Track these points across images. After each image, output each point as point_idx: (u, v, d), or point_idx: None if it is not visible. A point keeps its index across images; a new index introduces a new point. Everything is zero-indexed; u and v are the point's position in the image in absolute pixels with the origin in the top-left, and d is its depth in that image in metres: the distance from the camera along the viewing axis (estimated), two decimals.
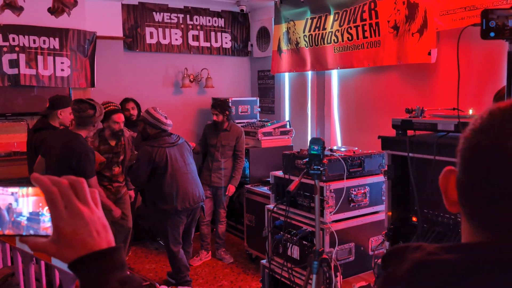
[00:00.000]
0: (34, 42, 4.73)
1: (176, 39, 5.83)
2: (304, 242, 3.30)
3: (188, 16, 5.88)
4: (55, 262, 2.39)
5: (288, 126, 5.28)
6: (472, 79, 3.47)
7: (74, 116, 3.55)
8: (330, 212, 3.14)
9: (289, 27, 5.40)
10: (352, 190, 3.27)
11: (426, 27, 3.80)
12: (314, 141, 2.36)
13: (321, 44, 4.95)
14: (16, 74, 4.67)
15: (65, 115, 3.95)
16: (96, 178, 3.60)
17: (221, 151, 4.72)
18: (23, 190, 0.72)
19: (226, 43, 6.19)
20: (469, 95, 3.42)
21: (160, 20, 5.71)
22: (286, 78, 5.86)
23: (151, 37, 5.66)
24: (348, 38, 4.58)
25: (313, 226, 3.12)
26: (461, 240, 0.69)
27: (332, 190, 3.14)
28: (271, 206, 3.62)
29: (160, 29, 5.71)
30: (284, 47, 5.53)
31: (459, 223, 0.73)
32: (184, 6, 5.84)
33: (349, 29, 4.55)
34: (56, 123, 3.95)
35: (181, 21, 5.84)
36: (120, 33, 5.44)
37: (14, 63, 4.65)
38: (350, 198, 3.26)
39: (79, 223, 0.69)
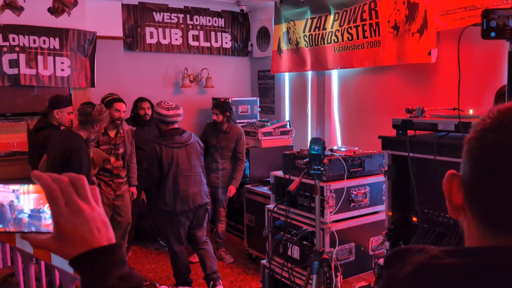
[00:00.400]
0: (34, 42, 4.73)
1: (176, 39, 5.83)
2: (304, 242, 3.30)
3: (188, 16, 5.88)
4: (55, 262, 2.39)
5: (288, 126, 5.28)
6: (472, 79, 3.47)
7: (77, 116, 3.60)
8: (331, 212, 3.14)
9: (289, 27, 5.40)
10: (352, 190, 3.27)
11: (426, 27, 3.80)
12: (314, 141, 2.36)
13: (321, 44, 4.95)
14: (16, 74, 4.67)
15: (62, 115, 4.01)
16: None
17: (220, 152, 4.71)
18: (24, 187, 0.72)
19: (226, 43, 6.19)
20: (469, 95, 3.42)
21: (160, 20, 5.71)
22: (286, 78, 5.86)
23: (151, 37, 5.66)
24: (348, 38, 4.58)
25: (314, 226, 3.12)
26: (461, 241, 0.68)
27: (333, 190, 3.14)
28: (271, 206, 3.62)
29: (160, 29, 5.71)
30: (284, 47, 5.52)
31: (459, 223, 0.72)
32: (184, 6, 5.84)
33: (349, 29, 4.55)
34: (55, 122, 3.98)
35: (181, 21, 5.84)
36: (120, 33, 5.44)
37: (14, 63, 4.65)
38: (350, 198, 3.25)
39: (79, 220, 0.69)
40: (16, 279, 2.68)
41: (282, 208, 3.28)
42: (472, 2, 3.41)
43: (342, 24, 4.64)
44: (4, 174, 4.48)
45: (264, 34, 6.07)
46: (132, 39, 5.55)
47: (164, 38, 5.75)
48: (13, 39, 4.62)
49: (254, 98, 5.96)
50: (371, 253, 3.30)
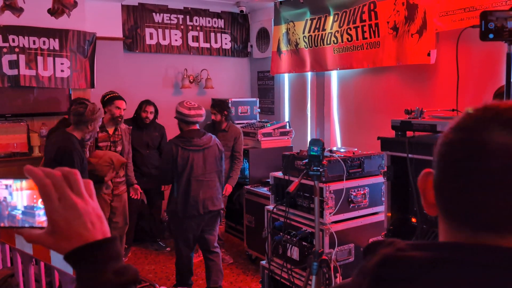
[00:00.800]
0: (34, 43, 4.73)
1: (176, 40, 5.83)
2: (303, 243, 3.30)
3: (188, 17, 5.88)
4: (55, 262, 2.39)
5: (287, 127, 5.28)
6: (471, 80, 3.48)
7: (70, 116, 3.58)
8: (330, 213, 3.15)
9: (289, 28, 5.40)
10: (351, 191, 3.27)
11: (425, 28, 3.80)
12: (313, 142, 2.36)
13: (320, 45, 4.95)
14: (16, 75, 4.67)
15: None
16: None
17: None
18: (17, 183, 0.72)
19: (225, 44, 6.19)
20: (468, 96, 3.42)
21: (160, 21, 5.71)
22: (286, 79, 5.86)
23: (151, 38, 5.67)
24: (347, 39, 4.58)
25: (313, 227, 3.12)
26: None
27: (332, 191, 3.15)
28: (270, 207, 3.62)
29: (160, 30, 5.71)
30: (283, 48, 5.53)
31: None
32: (184, 7, 5.84)
33: (348, 30, 4.56)
34: None
35: (181, 22, 5.84)
36: (120, 34, 5.45)
37: (14, 64, 4.65)
38: (349, 199, 3.26)
39: (73, 214, 0.69)
40: (15, 280, 2.68)
41: (281, 209, 3.28)
42: (471, 3, 3.41)
43: (341, 25, 4.64)
44: (3, 175, 4.45)
45: (263, 35, 6.07)
46: (132, 40, 5.55)
47: (164, 39, 5.75)
48: (13, 40, 4.63)
49: (254, 99, 5.96)
50: None
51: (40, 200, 0.70)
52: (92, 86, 5.11)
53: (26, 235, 0.71)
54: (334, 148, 3.82)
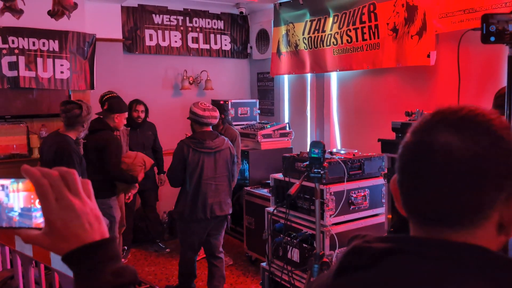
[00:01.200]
0: (34, 44, 4.73)
1: (176, 41, 5.83)
2: (304, 245, 3.30)
3: (187, 18, 5.88)
4: (55, 265, 2.39)
5: (287, 128, 5.28)
6: (471, 82, 3.48)
7: (62, 118, 3.57)
8: (330, 215, 3.14)
9: (289, 29, 5.40)
10: (352, 193, 3.27)
11: (425, 29, 3.80)
12: (314, 144, 2.36)
13: (320, 47, 4.95)
14: (16, 77, 4.66)
15: (120, 120, 4.08)
16: None
17: None
18: (14, 185, 0.71)
19: (225, 45, 6.19)
20: (468, 97, 3.42)
21: (160, 22, 5.71)
22: (286, 80, 5.86)
23: (151, 39, 5.66)
24: (347, 40, 4.58)
25: (313, 229, 3.12)
26: None
27: (332, 193, 3.15)
28: (271, 208, 3.62)
29: (160, 31, 5.71)
30: (283, 49, 5.53)
31: None
32: (184, 8, 5.84)
33: (348, 31, 4.56)
34: (112, 125, 4.04)
35: (180, 23, 5.84)
36: (119, 35, 5.45)
37: (13, 66, 4.64)
38: (350, 201, 3.26)
39: (70, 215, 0.68)
40: (15, 282, 2.68)
41: (282, 211, 3.28)
42: (471, 5, 3.42)
43: (341, 26, 4.64)
44: (3, 176, 4.47)
45: (263, 36, 6.07)
46: (132, 42, 5.55)
47: (164, 40, 5.75)
48: (13, 42, 4.62)
49: (254, 100, 5.96)
50: None
51: (37, 200, 0.69)
52: (92, 87, 5.10)
53: (23, 236, 0.70)
54: (334, 150, 3.82)
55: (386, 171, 2.59)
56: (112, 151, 3.85)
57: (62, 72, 4.93)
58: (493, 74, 3.42)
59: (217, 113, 3.64)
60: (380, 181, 3.32)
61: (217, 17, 6.10)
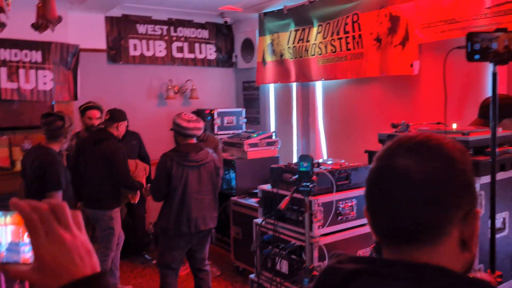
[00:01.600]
0: (16, 55, 4.66)
1: (160, 51, 5.81)
2: (293, 256, 3.30)
3: (172, 28, 5.87)
4: None
5: (274, 137, 5.29)
6: (454, 92, 3.54)
7: (44, 130, 3.52)
8: (319, 226, 3.15)
9: (273, 39, 5.43)
10: (339, 203, 3.29)
11: (408, 39, 3.86)
12: (303, 158, 2.37)
13: (305, 56, 4.99)
14: None
15: (122, 128, 4.13)
16: (61, 194, 3.44)
17: None
18: (1, 219, 0.69)
19: (210, 54, 6.19)
20: (451, 107, 3.46)
21: (144, 32, 5.68)
22: (271, 89, 5.89)
23: (135, 49, 5.63)
24: (331, 50, 4.63)
25: (302, 240, 3.13)
26: None
27: (320, 204, 3.16)
28: (259, 220, 3.61)
29: (144, 41, 5.69)
30: (268, 58, 5.56)
31: None
32: (168, 18, 5.83)
33: (332, 41, 4.60)
34: (115, 134, 4.10)
35: (165, 33, 5.83)
36: (103, 46, 5.40)
37: None
38: (338, 211, 3.27)
39: (60, 250, 0.67)
40: None
41: (270, 222, 3.28)
42: (452, 15, 3.48)
43: (325, 36, 4.69)
44: None
45: (248, 46, 6.09)
46: (116, 52, 5.51)
47: (148, 50, 5.72)
48: None
49: (240, 109, 5.97)
50: None
51: (25, 235, 0.68)
52: (76, 98, 5.05)
53: (12, 271, 0.69)
54: (321, 160, 3.84)
55: None
56: (120, 160, 3.89)
57: (45, 83, 4.87)
58: (475, 84, 3.48)
59: (201, 124, 3.55)
60: None
61: (202, 26, 6.10)
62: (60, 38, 4.85)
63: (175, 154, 3.43)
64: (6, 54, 4.62)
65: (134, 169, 4.19)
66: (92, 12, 5.17)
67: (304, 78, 5.08)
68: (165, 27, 5.82)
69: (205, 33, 6.13)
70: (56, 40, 4.82)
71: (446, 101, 1.83)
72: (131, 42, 5.60)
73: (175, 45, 5.90)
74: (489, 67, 2.18)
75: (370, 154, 2.66)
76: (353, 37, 4.37)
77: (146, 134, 5.21)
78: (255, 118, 6.15)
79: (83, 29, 5.18)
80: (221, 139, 5.45)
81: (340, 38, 4.51)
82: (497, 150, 1.87)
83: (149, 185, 3.95)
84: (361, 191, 3.41)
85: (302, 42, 5.02)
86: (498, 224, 2.24)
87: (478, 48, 1.52)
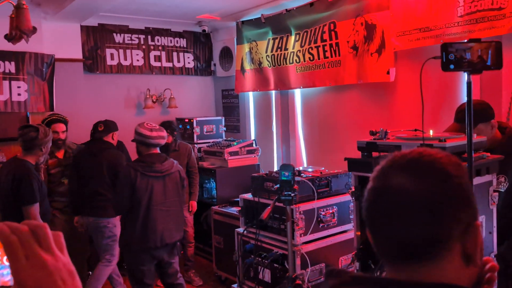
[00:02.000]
0: None
1: (138, 60, 5.76)
2: (275, 265, 3.30)
3: (149, 36, 5.83)
4: None
5: (254, 145, 5.29)
6: (429, 99, 3.61)
7: (20, 143, 3.46)
8: (301, 234, 3.16)
9: (252, 47, 5.45)
10: (320, 211, 3.30)
11: (384, 47, 3.93)
12: (284, 167, 2.38)
13: (283, 64, 5.02)
14: None
15: (116, 138, 4.28)
16: (38, 207, 3.34)
17: None
18: None
19: (188, 63, 6.17)
20: (426, 114, 3.52)
21: (121, 41, 5.63)
22: (251, 97, 5.90)
23: (112, 58, 5.57)
24: (309, 58, 4.67)
25: (284, 248, 3.13)
26: None
27: (302, 212, 3.17)
28: (241, 229, 3.60)
29: (121, 50, 5.63)
30: (247, 66, 5.57)
31: None
32: (145, 27, 5.79)
33: (310, 49, 4.65)
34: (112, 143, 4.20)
35: (142, 42, 5.78)
36: (79, 55, 5.33)
37: None
38: (319, 219, 3.29)
39: (42, 273, 0.65)
40: None
41: (252, 231, 3.27)
42: (426, 23, 3.56)
43: (303, 44, 4.73)
44: None
45: (226, 54, 6.10)
46: (92, 61, 5.44)
47: (125, 59, 5.67)
48: None
49: (219, 118, 5.95)
50: None
51: (4, 258, 0.66)
52: (52, 109, 4.95)
53: None
54: (301, 168, 3.86)
55: (353, 189, 2.63)
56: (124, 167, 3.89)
57: (19, 94, 4.77)
58: (449, 90, 3.56)
59: (164, 133, 3.44)
60: (347, 197, 3.38)
61: (180, 35, 6.08)
62: (35, 48, 4.76)
63: (139, 164, 3.31)
64: None
65: None
66: (67, 21, 5.10)
67: (283, 86, 5.11)
68: (142, 36, 5.77)
69: (183, 42, 6.11)
70: (31, 50, 4.73)
71: (423, 108, 1.87)
72: (108, 51, 5.53)
73: (152, 54, 5.86)
74: (463, 75, 2.23)
75: (350, 161, 2.68)
76: (330, 45, 4.42)
77: (125, 144, 5.14)
78: (235, 126, 6.15)
79: (59, 39, 5.10)
80: (201, 147, 5.43)
81: (317, 46, 4.56)
82: (473, 155, 1.92)
83: None
84: (341, 198, 3.44)
85: (280, 50, 5.05)
86: None
87: (453, 58, 1.56)
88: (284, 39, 4.99)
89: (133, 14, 5.24)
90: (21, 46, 4.65)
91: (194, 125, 5.63)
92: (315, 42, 4.57)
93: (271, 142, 5.53)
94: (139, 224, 3.29)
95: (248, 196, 3.59)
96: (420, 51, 3.67)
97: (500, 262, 2.07)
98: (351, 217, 3.39)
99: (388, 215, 0.78)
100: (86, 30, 5.38)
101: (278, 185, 2.39)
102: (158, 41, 5.90)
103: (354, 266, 2.66)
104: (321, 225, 3.30)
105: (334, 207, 3.38)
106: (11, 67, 4.68)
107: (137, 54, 5.75)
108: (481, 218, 2.36)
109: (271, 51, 5.17)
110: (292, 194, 2.35)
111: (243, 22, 5.51)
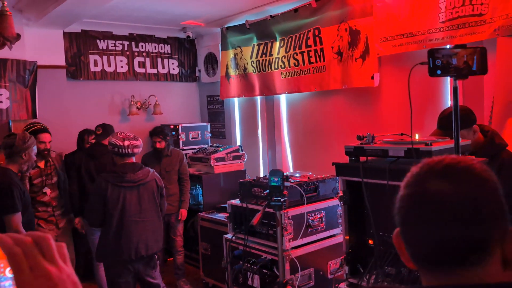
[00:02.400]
0: None
1: (122, 66, 5.72)
2: (264, 270, 3.29)
3: (133, 43, 5.79)
4: None
5: (240, 151, 5.29)
6: (413, 104, 3.65)
7: (2, 151, 3.43)
8: (290, 239, 3.17)
9: (237, 53, 5.46)
10: (309, 215, 3.32)
11: (368, 52, 3.98)
12: (273, 173, 2.39)
13: (268, 70, 5.04)
14: None
15: None
16: (20, 216, 3.27)
17: (167, 178, 4.62)
18: None
19: (173, 69, 6.15)
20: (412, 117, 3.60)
21: (105, 48, 5.58)
22: (236, 103, 5.90)
23: (96, 65, 5.52)
24: (294, 63, 4.70)
25: (273, 254, 3.13)
26: None
27: (290, 217, 3.18)
28: (229, 235, 3.59)
29: (105, 57, 5.58)
30: (232, 72, 5.58)
31: None
32: (129, 33, 5.76)
33: (295, 55, 4.68)
34: None
35: (126, 48, 5.74)
36: (62, 62, 5.26)
37: None
38: (307, 224, 3.30)
39: (47, 284, 0.64)
40: None
41: (240, 237, 3.26)
42: (408, 29, 3.62)
43: (288, 50, 4.76)
44: None
45: (211, 60, 6.10)
46: (76, 68, 5.38)
47: (109, 65, 5.62)
48: None
49: (205, 124, 5.94)
50: (330, 276, 3.35)
51: (7, 269, 0.65)
52: (34, 116, 4.88)
53: None
54: (288, 173, 3.87)
55: (341, 193, 2.65)
56: None
57: (1, 102, 4.68)
58: (434, 95, 3.62)
59: (139, 142, 3.36)
60: (335, 202, 3.40)
61: (164, 41, 6.06)
62: (17, 55, 4.69)
63: (111, 175, 3.26)
64: None
65: None
66: (50, 28, 5.03)
67: (268, 91, 5.13)
68: (126, 42, 5.74)
69: (167, 48, 6.09)
70: (13, 57, 4.66)
71: (411, 113, 1.90)
72: (92, 58, 5.48)
73: (137, 60, 5.83)
74: (447, 80, 2.27)
75: (338, 166, 2.70)
76: (315, 51, 4.46)
77: None
78: (221, 132, 6.14)
79: (41, 45, 5.03)
80: (186, 154, 5.40)
81: (302, 52, 4.59)
82: None
83: None
84: (329, 202, 3.45)
85: (265, 56, 5.07)
86: None
87: (439, 64, 1.59)
88: (269, 45, 5.01)
89: (116, 20, 5.20)
90: (3, 53, 4.60)
91: (180, 131, 5.61)
92: (300, 47, 4.61)
93: (257, 148, 5.54)
94: (112, 235, 3.23)
95: (236, 202, 3.58)
96: (404, 56, 3.73)
97: None
98: (338, 221, 3.41)
99: (430, 222, 0.78)
100: (69, 37, 5.32)
101: (267, 191, 2.40)
102: (142, 47, 5.87)
103: (343, 270, 2.68)
104: (309, 230, 3.31)
105: (322, 211, 3.39)
106: None
107: (121, 61, 5.71)
108: None
109: (256, 57, 5.19)
110: (282, 200, 2.36)
111: (227, 28, 5.52)
